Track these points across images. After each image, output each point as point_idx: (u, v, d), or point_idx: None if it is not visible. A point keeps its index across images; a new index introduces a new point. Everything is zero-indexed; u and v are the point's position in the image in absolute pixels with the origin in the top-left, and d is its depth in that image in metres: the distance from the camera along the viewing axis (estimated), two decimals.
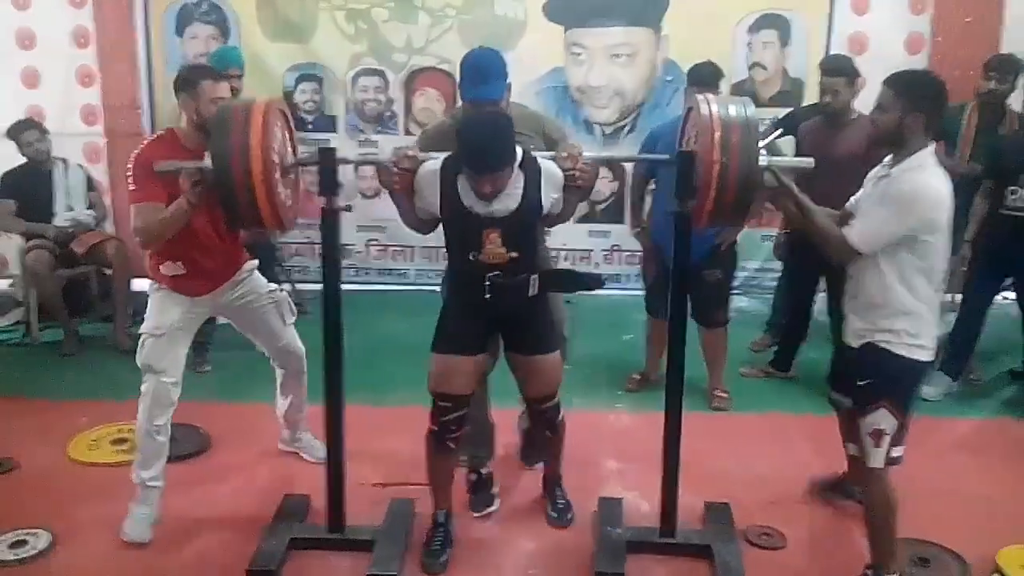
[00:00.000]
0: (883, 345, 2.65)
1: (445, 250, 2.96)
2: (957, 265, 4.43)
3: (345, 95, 6.04)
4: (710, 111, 2.61)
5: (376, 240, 6.23)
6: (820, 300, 4.54)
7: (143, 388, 3.15)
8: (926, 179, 2.58)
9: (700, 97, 2.73)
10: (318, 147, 3.00)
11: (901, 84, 2.65)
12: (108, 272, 5.22)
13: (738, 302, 5.43)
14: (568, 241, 5.87)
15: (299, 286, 5.79)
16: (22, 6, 5.93)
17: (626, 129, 5.99)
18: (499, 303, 2.85)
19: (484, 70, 3.00)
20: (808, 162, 2.82)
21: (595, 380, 4.52)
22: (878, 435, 2.67)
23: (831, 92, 4.11)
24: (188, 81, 3.11)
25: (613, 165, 6.02)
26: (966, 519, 3.28)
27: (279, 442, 3.79)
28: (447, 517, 3.11)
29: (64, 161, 5.24)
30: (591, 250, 6.10)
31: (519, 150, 2.76)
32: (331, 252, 2.98)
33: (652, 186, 4.31)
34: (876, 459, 2.70)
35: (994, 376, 4.72)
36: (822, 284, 4.41)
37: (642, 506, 3.32)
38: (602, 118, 6.00)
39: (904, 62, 5.63)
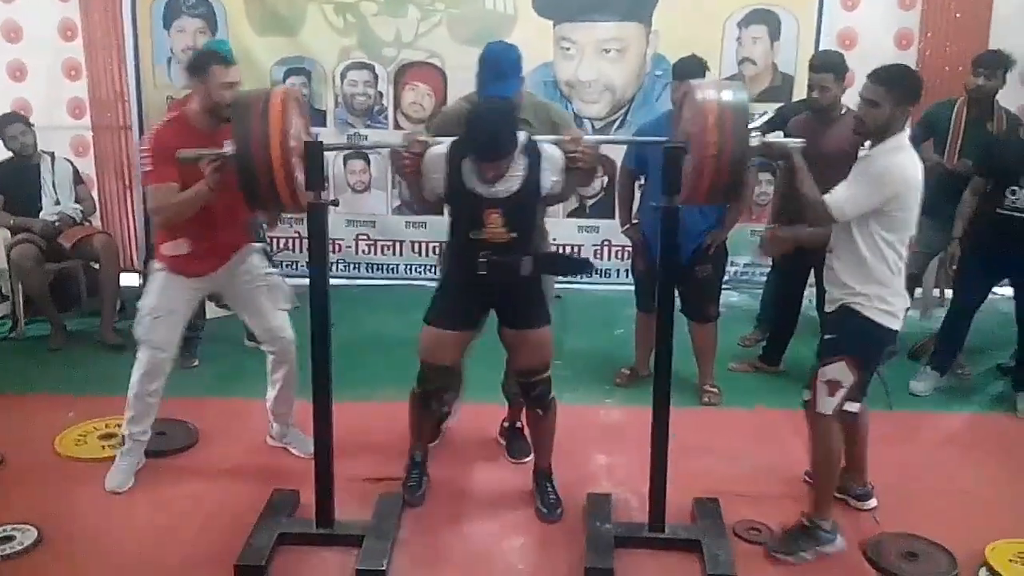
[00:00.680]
0: (855, 307, 2.86)
1: (449, 229, 3.15)
2: (947, 262, 4.46)
3: (334, 89, 6.02)
4: (705, 95, 2.74)
5: (365, 235, 6.22)
6: (809, 295, 4.55)
7: (139, 356, 3.35)
8: (900, 159, 2.80)
9: (695, 82, 2.86)
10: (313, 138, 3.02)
11: (890, 80, 2.80)
12: (96, 266, 5.19)
13: (728, 297, 5.43)
14: (558, 236, 5.84)
15: (288, 280, 5.76)
16: None
17: (616, 124, 5.98)
18: (494, 280, 3.01)
19: (502, 67, 3.16)
20: (798, 142, 2.98)
21: (585, 375, 4.52)
22: (834, 386, 2.88)
23: (819, 88, 4.12)
24: (199, 66, 3.23)
25: (604, 160, 6.01)
26: (955, 514, 3.29)
27: (268, 437, 3.79)
28: (424, 456, 3.39)
29: (51, 155, 5.20)
30: (581, 245, 6.09)
31: (521, 135, 2.92)
32: (318, 246, 2.97)
33: (641, 181, 4.31)
34: (825, 406, 2.90)
35: (982, 371, 4.74)
36: (811, 279, 4.42)
37: (631, 501, 3.32)
38: (592, 113, 5.99)
39: (893, 57, 5.63)
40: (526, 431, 3.58)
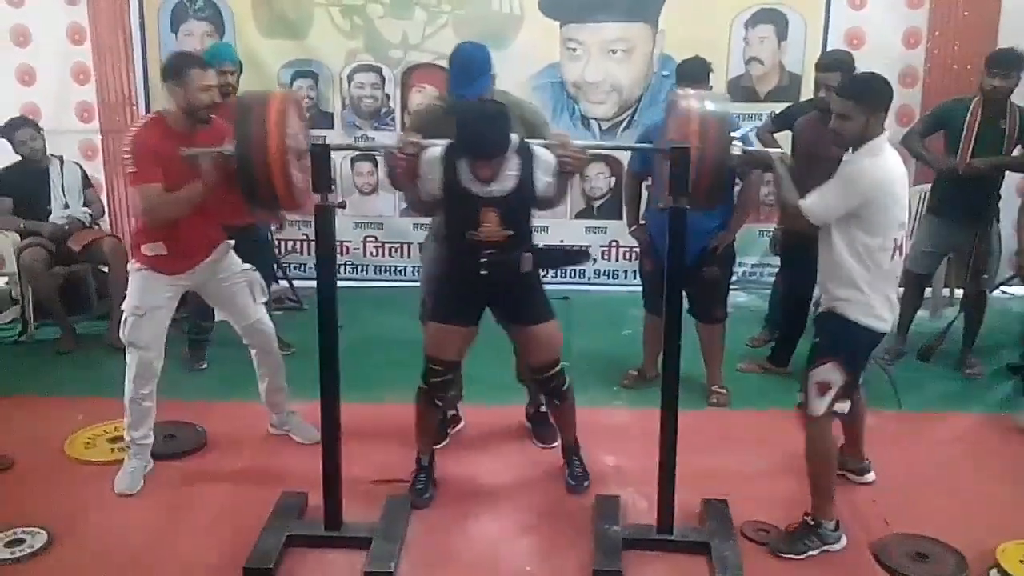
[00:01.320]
0: (838, 311, 2.91)
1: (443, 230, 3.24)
2: (967, 261, 4.44)
3: (341, 91, 6.03)
4: (688, 105, 2.82)
5: (373, 237, 6.23)
6: (818, 295, 4.53)
7: (128, 360, 3.41)
8: (874, 162, 2.82)
9: (680, 92, 2.93)
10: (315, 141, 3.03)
11: (858, 93, 2.87)
12: (104, 269, 5.20)
13: (736, 298, 5.41)
14: (566, 237, 5.86)
15: (295, 283, 5.79)
16: (17, 3, 5.90)
17: (623, 125, 5.98)
18: (494, 278, 3.08)
19: (470, 69, 3.30)
20: (777, 152, 3.07)
21: (592, 376, 4.51)
22: (824, 387, 2.92)
23: (826, 88, 4.11)
24: (176, 70, 3.29)
25: (611, 161, 6.03)
26: (964, 514, 3.28)
27: (269, 426, 3.85)
28: (430, 460, 3.43)
29: (60, 158, 5.22)
30: (589, 246, 6.06)
31: (514, 136, 3.00)
32: (326, 248, 2.98)
33: (648, 182, 4.30)
34: (816, 408, 2.95)
35: (993, 371, 4.71)
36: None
37: (639, 503, 3.31)
38: (599, 113, 5.99)
39: (901, 56, 5.64)
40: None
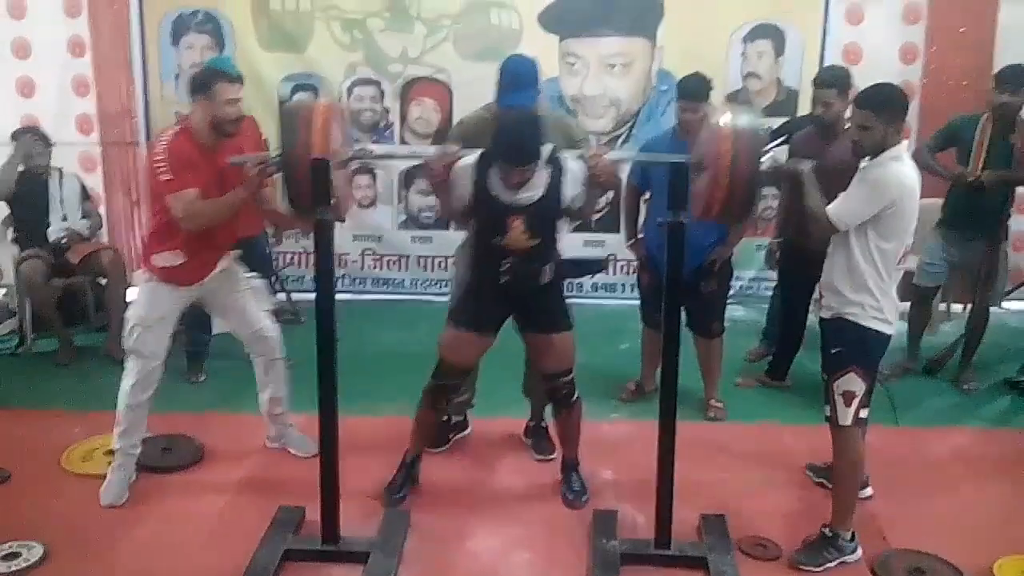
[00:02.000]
0: (850, 318, 2.94)
1: (472, 237, 3.32)
2: (980, 275, 4.46)
3: (340, 105, 6.04)
4: (724, 122, 2.81)
5: (372, 250, 6.23)
6: (815, 309, 4.54)
7: (128, 367, 3.42)
8: (897, 168, 2.88)
9: (713, 107, 3.03)
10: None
11: (878, 103, 2.90)
12: (103, 282, 5.20)
13: (733, 312, 5.42)
14: (564, 250, 5.84)
15: (294, 295, 5.79)
16: (18, 16, 5.92)
17: (621, 138, 6.00)
18: (516, 286, 3.16)
19: (521, 78, 3.37)
20: (807, 163, 3.08)
21: (591, 389, 4.44)
22: (849, 396, 2.94)
23: (823, 104, 4.13)
24: (204, 84, 3.33)
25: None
26: (962, 529, 3.28)
27: (266, 440, 3.85)
28: (415, 460, 3.49)
29: (59, 170, 5.22)
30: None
31: (546, 147, 3.06)
32: (324, 262, 2.98)
33: (647, 196, 4.31)
34: (846, 418, 2.96)
35: (990, 385, 4.71)
36: (816, 293, 4.40)
37: (637, 517, 3.31)
38: (597, 127, 6.00)
39: (898, 72, 5.66)
40: (551, 430, 3.74)
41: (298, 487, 3.41)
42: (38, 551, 3.03)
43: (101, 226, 5.54)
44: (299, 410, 3.82)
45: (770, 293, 5.31)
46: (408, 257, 6.21)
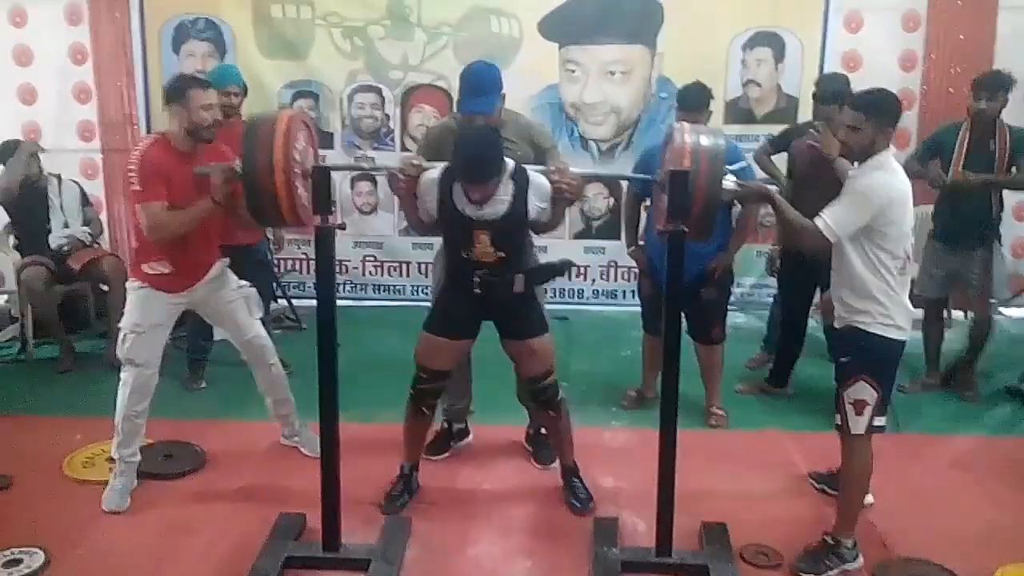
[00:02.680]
0: (860, 326, 2.94)
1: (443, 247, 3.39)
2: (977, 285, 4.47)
3: (341, 112, 6.06)
4: (684, 139, 2.85)
5: (373, 256, 6.24)
6: (815, 316, 4.55)
7: (123, 377, 3.42)
8: (883, 177, 2.88)
9: (676, 125, 2.96)
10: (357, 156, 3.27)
11: (870, 106, 2.91)
12: (104, 288, 5.21)
13: (734, 319, 5.42)
14: (564, 257, 5.86)
15: (295, 302, 5.80)
16: (19, 23, 5.96)
17: (621, 146, 6.02)
18: (488, 297, 3.19)
19: (479, 85, 3.37)
20: (772, 185, 3.18)
21: (591, 397, 4.51)
22: (861, 405, 2.94)
23: (825, 119, 4.16)
24: (178, 91, 3.38)
25: (610, 182, 6.06)
26: (963, 537, 3.27)
27: (281, 437, 3.92)
28: (412, 469, 3.52)
29: (57, 177, 5.23)
30: (588, 266, 6.12)
31: (509, 162, 3.08)
32: (325, 269, 2.99)
33: (648, 203, 4.32)
34: (857, 426, 2.95)
35: (991, 393, 4.71)
36: (816, 300, 4.41)
37: (638, 525, 3.31)
38: (597, 135, 6.03)
39: (898, 79, 5.67)
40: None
41: (299, 494, 3.42)
42: (39, 557, 3.03)
43: (102, 231, 5.55)
44: (300, 416, 3.84)
45: (771, 300, 5.32)
46: (409, 263, 6.23)
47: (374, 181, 6.13)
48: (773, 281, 5.20)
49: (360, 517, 3.27)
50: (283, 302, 5.77)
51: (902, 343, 2.97)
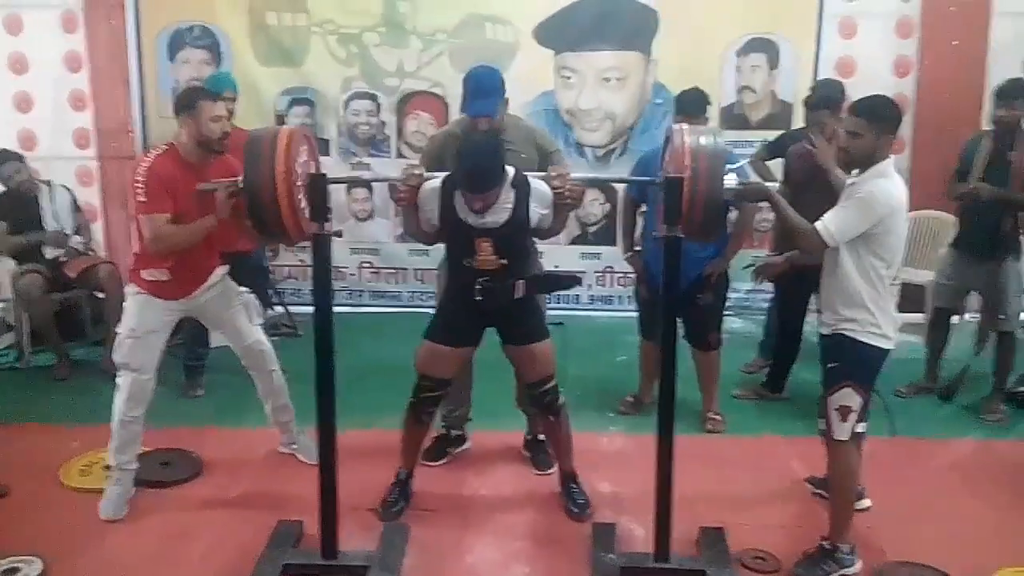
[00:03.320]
0: (848, 333, 2.96)
1: (445, 255, 3.39)
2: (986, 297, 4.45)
3: (337, 118, 6.07)
4: (683, 140, 2.84)
5: (369, 263, 6.25)
6: (812, 321, 4.55)
7: (119, 382, 3.42)
8: (884, 185, 2.89)
9: (675, 127, 2.95)
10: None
11: (872, 113, 2.92)
12: (100, 296, 5.21)
13: (731, 324, 5.44)
14: (561, 263, 5.88)
15: (292, 308, 5.79)
16: (14, 31, 5.95)
17: (616, 152, 6.03)
18: (489, 304, 3.19)
19: (482, 88, 3.42)
20: (773, 184, 3.00)
21: (588, 402, 4.51)
22: (845, 411, 2.96)
23: (818, 125, 4.17)
24: (188, 102, 3.38)
25: (606, 187, 6.07)
26: (960, 541, 3.28)
27: (279, 446, 3.92)
28: (408, 476, 3.53)
29: (47, 183, 5.23)
30: (584, 272, 6.12)
31: (510, 170, 3.08)
32: (322, 276, 2.99)
33: (643, 209, 4.33)
34: (841, 432, 2.98)
35: (988, 397, 4.71)
36: (812, 305, 4.42)
37: (636, 531, 3.31)
38: (593, 141, 6.04)
39: (892, 85, 5.70)
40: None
41: (297, 501, 3.42)
42: (37, 566, 3.02)
43: (91, 238, 5.53)
44: (298, 423, 3.84)
45: (767, 305, 5.34)
46: (406, 270, 6.23)
47: (370, 187, 6.13)
48: (769, 286, 5.21)
49: (358, 524, 3.27)
50: (280, 309, 5.77)
51: (887, 352, 2.99)
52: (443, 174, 3.15)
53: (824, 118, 4.09)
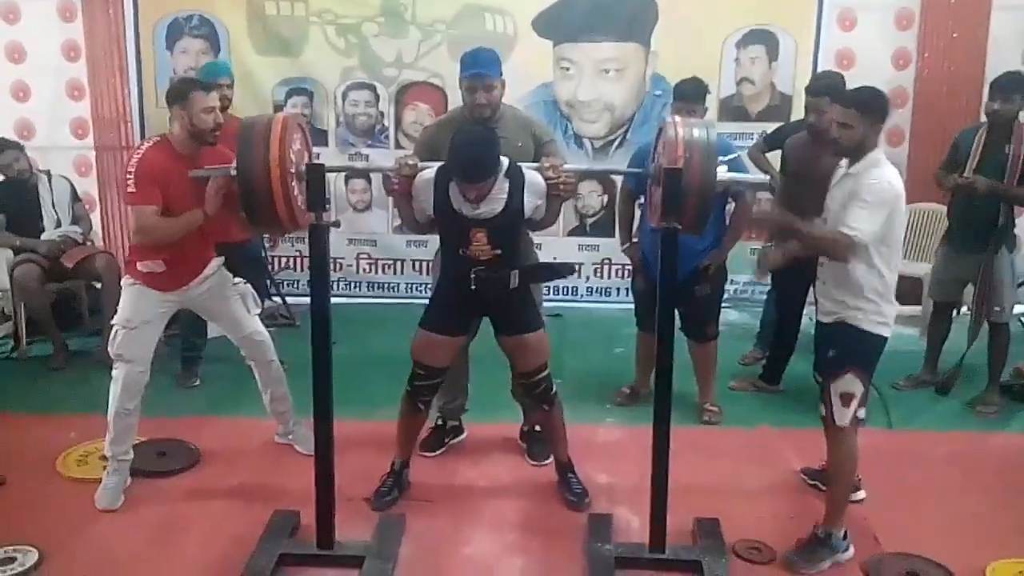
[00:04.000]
0: (852, 322, 2.98)
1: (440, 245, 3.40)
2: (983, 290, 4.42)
3: (335, 109, 6.06)
4: (676, 132, 2.83)
5: (366, 254, 6.24)
6: (809, 313, 4.55)
7: (114, 374, 3.41)
8: (884, 173, 2.91)
9: (668, 119, 2.96)
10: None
11: (862, 103, 2.95)
12: (97, 285, 5.21)
13: (727, 315, 5.44)
14: (559, 254, 5.87)
15: (289, 299, 5.79)
16: (12, 20, 5.95)
17: (615, 143, 6.03)
18: (484, 293, 3.21)
19: (481, 58, 3.48)
20: (763, 178, 3.14)
21: (585, 394, 4.52)
22: (848, 398, 2.98)
23: (815, 111, 4.15)
24: (180, 93, 3.36)
25: (604, 179, 6.07)
26: (955, 533, 3.29)
27: (275, 435, 3.92)
28: (403, 466, 3.53)
29: (47, 173, 5.23)
30: (581, 263, 6.12)
31: (504, 160, 3.09)
32: (319, 266, 3.00)
33: (641, 200, 4.32)
34: (843, 418, 3.00)
35: (982, 390, 4.72)
36: (810, 297, 4.42)
37: (632, 521, 3.32)
38: (591, 132, 6.03)
39: (891, 77, 5.70)
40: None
41: (294, 490, 3.42)
42: (33, 556, 3.02)
43: (91, 228, 5.53)
44: (295, 413, 3.83)
45: (764, 297, 5.34)
46: (403, 261, 6.24)
47: (368, 178, 6.12)
48: (765, 279, 5.22)
49: (354, 514, 3.28)
50: (277, 299, 5.77)
51: (886, 340, 3.02)
52: (437, 164, 3.16)
53: (823, 105, 4.08)
